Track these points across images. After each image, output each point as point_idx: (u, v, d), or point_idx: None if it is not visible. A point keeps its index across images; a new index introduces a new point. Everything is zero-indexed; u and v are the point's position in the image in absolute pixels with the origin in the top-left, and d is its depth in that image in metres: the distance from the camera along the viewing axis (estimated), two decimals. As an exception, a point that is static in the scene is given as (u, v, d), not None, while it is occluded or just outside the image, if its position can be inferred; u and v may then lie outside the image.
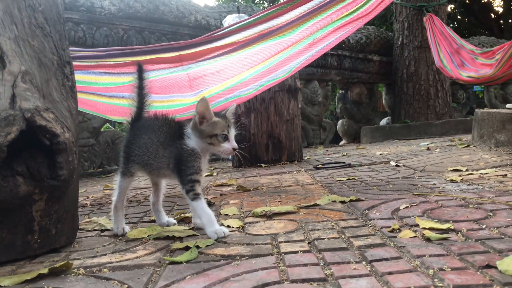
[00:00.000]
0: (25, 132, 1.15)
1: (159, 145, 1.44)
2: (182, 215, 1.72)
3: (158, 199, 1.61)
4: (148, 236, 1.44)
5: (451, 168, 2.51)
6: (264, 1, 17.70)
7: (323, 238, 1.26)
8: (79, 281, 1.05)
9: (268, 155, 3.69)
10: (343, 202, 1.77)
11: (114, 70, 2.56)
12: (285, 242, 1.25)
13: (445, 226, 1.27)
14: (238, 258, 1.14)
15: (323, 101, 6.86)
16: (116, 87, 2.55)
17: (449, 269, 0.94)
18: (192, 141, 1.39)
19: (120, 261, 1.19)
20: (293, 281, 0.94)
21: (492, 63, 4.70)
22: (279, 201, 1.92)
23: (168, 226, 1.57)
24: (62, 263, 1.12)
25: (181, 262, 1.13)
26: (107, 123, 6.91)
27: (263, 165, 3.64)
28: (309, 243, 1.23)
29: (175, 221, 1.61)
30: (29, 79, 1.19)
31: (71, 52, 2.27)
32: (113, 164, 4.50)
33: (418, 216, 1.43)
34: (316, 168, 3.14)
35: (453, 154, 3.21)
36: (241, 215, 1.70)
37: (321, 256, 1.10)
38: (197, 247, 1.25)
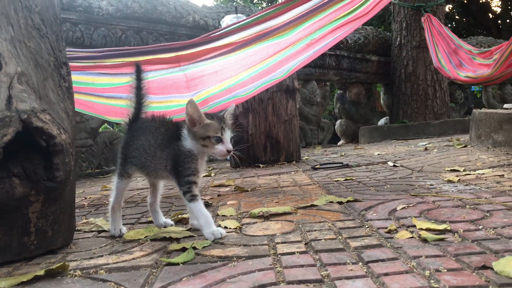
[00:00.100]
0: (21, 133, 1.15)
1: (157, 146, 1.44)
2: (180, 216, 1.71)
3: (156, 200, 1.60)
4: (145, 237, 1.44)
5: (449, 169, 2.51)
6: (262, 1, 17.70)
7: (320, 239, 1.26)
8: (75, 282, 1.05)
9: (266, 156, 3.69)
10: (340, 203, 1.77)
11: (112, 70, 2.56)
12: (282, 243, 1.25)
13: (441, 226, 1.27)
14: (235, 259, 1.14)
15: (321, 101, 6.86)
16: (113, 88, 2.54)
17: (445, 270, 0.94)
18: (188, 143, 1.39)
19: (116, 262, 1.19)
20: (289, 283, 0.94)
21: (490, 63, 4.71)
22: (276, 202, 1.92)
23: (165, 227, 1.57)
24: (58, 265, 1.12)
25: (177, 264, 1.13)
26: (105, 124, 6.91)
27: (261, 165, 3.64)
28: (306, 244, 1.23)
29: (172, 222, 1.61)
30: (25, 80, 1.19)
31: (68, 52, 2.27)
32: (111, 165, 4.50)
33: (415, 217, 1.43)
34: (314, 168, 3.14)
35: (451, 154, 3.21)
36: (239, 216, 1.70)
37: (317, 257, 1.10)
38: (194, 248, 1.25)
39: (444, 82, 7.11)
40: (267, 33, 2.72)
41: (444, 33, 5.58)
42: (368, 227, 1.36)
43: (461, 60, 5.28)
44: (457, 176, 2.23)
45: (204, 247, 1.27)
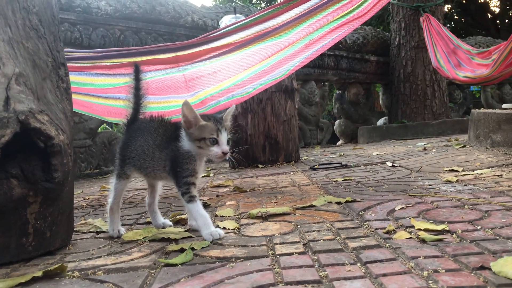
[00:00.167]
0: (19, 134, 1.14)
1: (155, 147, 1.44)
2: (178, 216, 1.71)
3: (154, 200, 1.60)
4: (143, 238, 1.44)
5: (447, 169, 2.51)
6: (261, 1, 17.70)
7: (319, 240, 1.26)
8: (73, 284, 1.05)
9: (265, 156, 3.69)
10: (339, 203, 1.77)
11: (110, 71, 2.56)
12: (280, 243, 1.25)
13: (440, 227, 1.27)
14: (233, 260, 1.14)
15: (320, 101, 6.86)
16: (112, 88, 2.54)
17: (443, 271, 0.94)
18: (186, 144, 1.39)
19: (115, 263, 1.19)
20: (287, 283, 0.94)
21: (489, 63, 4.71)
22: (275, 202, 1.92)
23: (163, 227, 1.57)
24: (56, 266, 1.12)
25: (176, 265, 1.13)
26: (104, 124, 6.90)
27: (260, 165, 3.63)
28: (304, 244, 1.23)
29: (170, 223, 1.61)
30: (23, 81, 1.18)
31: (66, 53, 2.27)
32: (109, 165, 4.50)
33: (414, 217, 1.43)
34: (313, 168, 3.14)
35: (449, 154, 3.22)
36: (237, 216, 1.70)
37: (316, 257, 1.10)
38: (192, 249, 1.25)
39: (443, 82, 7.12)
40: (266, 34, 2.72)
41: (443, 33, 5.59)
42: (366, 228, 1.36)
43: (459, 60, 5.29)
44: (455, 176, 2.23)
45: (202, 248, 1.27)
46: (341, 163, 3.27)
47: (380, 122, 7.71)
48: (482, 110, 3.56)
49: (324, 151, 5.00)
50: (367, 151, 4.28)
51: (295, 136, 3.86)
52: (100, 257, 1.26)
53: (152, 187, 1.60)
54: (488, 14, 16.41)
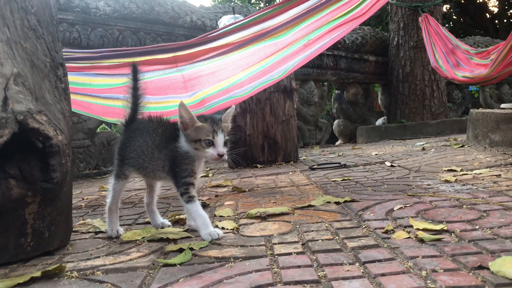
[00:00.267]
0: (17, 134, 1.14)
1: (154, 147, 1.44)
2: (177, 216, 1.71)
3: (153, 200, 1.60)
4: (142, 238, 1.44)
5: (446, 168, 2.52)
6: (260, 2, 17.70)
7: (317, 240, 1.26)
8: (72, 284, 1.05)
9: (264, 156, 3.69)
10: (337, 203, 1.77)
11: (109, 71, 2.55)
12: (279, 243, 1.26)
13: (438, 227, 1.28)
14: (232, 260, 1.14)
15: (319, 101, 6.86)
16: (110, 89, 2.54)
17: (442, 270, 0.95)
18: (184, 144, 1.38)
19: (113, 263, 1.19)
20: (286, 283, 0.94)
21: (487, 63, 4.71)
22: (274, 202, 1.92)
23: (162, 227, 1.57)
24: (55, 266, 1.12)
25: (174, 265, 1.13)
26: (103, 124, 6.90)
27: (258, 165, 3.63)
28: (303, 244, 1.23)
29: (169, 223, 1.61)
30: (21, 81, 1.18)
31: (65, 53, 2.26)
32: (108, 165, 4.49)
33: (412, 217, 1.43)
34: (312, 168, 3.14)
35: (448, 154, 3.22)
36: (236, 216, 1.70)
37: (314, 257, 1.10)
38: (191, 249, 1.25)
39: (441, 82, 7.12)
40: (264, 34, 2.72)
41: (442, 33, 5.59)
42: (365, 228, 1.37)
43: (458, 60, 5.29)
44: (454, 176, 2.23)
45: (201, 248, 1.27)
46: (339, 163, 3.27)
47: (379, 122, 7.71)
48: (480, 110, 3.57)
49: (323, 151, 5.00)
50: (366, 151, 4.28)
51: (294, 136, 3.86)
52: (99, 257, 1.26)
53: (151, 187, 1.60)
54: (487, 14, 16.43)
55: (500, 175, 2.16)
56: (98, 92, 2.54)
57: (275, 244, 1.25)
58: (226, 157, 1.37)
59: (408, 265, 1.00)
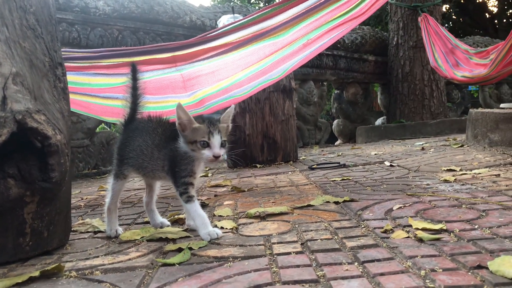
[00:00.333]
0: (16, 134, 1.14)
1: (154, 147, 1.44)
2: (176, 216, 1.71)
3: (152, 199, 1.60)
4: (141, 237, 1.43)
5: (445, 168, 2.52)
6: (259, 1, 17.70)
7: (316, 239, 1.26)
8: (70, 283, 1.05)
9: (263, 156, 3.69)
10: (336, 203, 1.77)
11: (108, 71, 2.55)
12: (278, 243, 1.25)
13: (437, 226, 1.27)
14: (231, 259, 1.14)
15: (318, 101, 6.86)
16: (109, 88, 2.54)
17: (441, 270, 0.95)
18: (183, 145, 1.38)
19: (112, 263, 1.18)
20: (284, 283, 0.94)
21: (487, 63, 4.71)
22: (273, 202, 1.92)
23: (161, 227, 1.57)
24: (53, 266, 1.12)
25: (173, 264, 1.13)
26: (102, 124, 6.89)
27: (258, 165, 3.63)
28: (302, 244, 1.23)
29: (168, 223, 1.61)
30: (20, 81, 1.18)
31: (64, 53, 2.26)
32: (108, 165, 4.49)
33: (411, 217, 1.43)
34: (311, 168, 3.14)
35: (447, 154, 3.22)
36: (235, 216, 1.70)
37: (313, 257, 1.10)
38: (190, 248, 1.25)
39: (441, 82, 7.12)
40: (263, 33, 2.72)
41: (441, 33, 5.59)
42: (364, 227, 1.36)
43: (457, 60, 5.29)
44: (453, 175, 2.23)
45: (200, 247, 1.27)
46: (339, 162, 3.27)
47: (379, 121, 7.72)
48: (480, 109, 3.57)
49: (322, 150, 5.00)
50: (365, 151, 4.28)
51: (293, 135, 3.86)
52: (98, 257, 1.26)
53: (150, 186, 1.60)
54: (486, 14, 16.43)
55: (499, 174, 2.16)
56: (97, 91, 2.54)
57: (274, 243, 1.25)
58: (222, 158, 1.35)
59: (407, 265, 0.99)
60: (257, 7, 13.38)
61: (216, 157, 1.32)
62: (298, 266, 1.04)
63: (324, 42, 2.78)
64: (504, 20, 16.30)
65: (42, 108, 1.23)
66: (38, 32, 1.35)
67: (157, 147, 1.43)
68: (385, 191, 1.97)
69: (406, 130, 6.13)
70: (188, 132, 1.34)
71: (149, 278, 1.05)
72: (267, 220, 1.56)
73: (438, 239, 1.17)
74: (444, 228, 1.26)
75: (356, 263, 1.04)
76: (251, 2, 17.33)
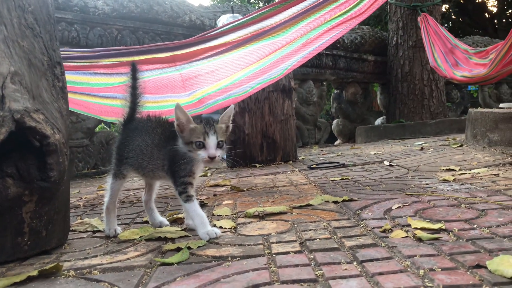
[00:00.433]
0: (14, 133, 1.14)
1: (154, 147, 1.43)
2: (175, 216, 1.71)
3: (151, 198, 1.60)
4: (140, 237, 1.43)
5: (444, 168, 2.52)
6: (259, 1, 17.68)
7: (315, 239, 1.26)
8: (69, 283, 1.05)
9: (263, 155, 3.69)
10: (336, 202, 1.77)
11: (107, 70, 2.55)
12: (277, 242, 1.25)
13: (436, 226, 1.27)
14: (230, 259, 1.13)
15: (318, 101, 6.86)
16: (109, 88, 2.53)
17: (440, 269, 0.94)
18: (182, 146, 1.37)
19: (111, 262, 1.18)
20: (283, 282, 0.94)
21: (486, 63, 4.71)
22: (272, 202, 1.91)
23: (160, 226, 1.57)
24: (52, 265, 1.12)
25: (172, 264, 1.13)
26: (102, 124, 6.89)
27: (257, 165, 3.63)
28: (300, 243, 1.23)
29: (167, 222, 1.61)
30: (18, 80, 1.18)
31: (63, 52, 2.26)
32: (107, 165, 4.48)
33: (410, 216, 1.43)
34: (310, 168, 3.14)
35: (447, 153, 3.22)
36: (234, 215, 1.69)
37: (312, 256, 1.10)
38: (189, 248, 1.25)
39: (440, 82, 7.12)
40: (263, 33, 2.71)
41: (441, 33, 5.58)
42: (363, 227, 1.36)
43: (457, 60, 5.28)
44: (452, 175, 2.23)
45: (199, 247, 1.27)
46: (338, 162, 3.27)
47: (378, 121, 7.72)
48: (479, 109, 3.57)
49: (322, 150, 5.00)
50: (364, 151, 4.28)
51: (293, 135, 3.86)
52: (96, 256, 1.26)
53: (150, 185, 1.60)
54: (486, 14, 16.43)
55: (498, 174, 2.16)
56: (96, 91, 2.54)
57: (273, 243, 1.25)
58: (218, 159, 1.33)
59: (405, 264, 0.99)
60: (256, 7, 13.37)
61: (211, 158, 1.31)
62: (296, 265, 1.04)
63: (324, 41, 2.78)
64: (504, 20, 16.31)
65: (40, 107, 1.23)
66: (37, 31, 1.35)
67: (157, 147, 1.43)
68: (384, 190, 1.97)
69: (405, 130, 6.13)
70: (185, 133, 1.34)
71: (148, 277, 1.05)
72: (266, 220, 1.56)
73: (437, 239, 1.17)
74: (443, 227, 1.26)
75: (354, 263, 1.03)
76: (251, 1, 17.32)
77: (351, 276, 0.95)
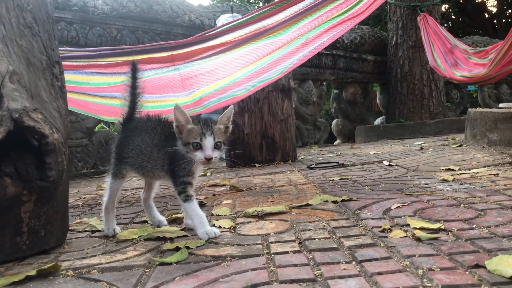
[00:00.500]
0: (13, 132, 1.14)
1: (154, 146, 1.43)
2: (174, 215, 1.71)
3: (150, 196, 1.60)
4: (138, 237, 1.43)
5: (444, 168, 2.52)
6: (258, 1, 17.68)
7: (314, 238, 1.25)
8: (67, 282, 1.04)
9: (262, 155, 3.69)
10: (335, 202, 1.76)
11: (106, 70, 2.55)
12: (275, 242, 1.25)
13: (435, 226, 1.27)
14: (228, 258, 1.13)
15: (317, 100, 6.86)
16: (108, 87, 2.53)
17: (438, 269, 0.94)
18: (181, 148, 1.36)
19: (109, 262, 1.18)
20: (282, 282, 0.94)
21: (486, 63, 4.71)
22: (271, 201, 1.91)
23: (159, 225, 1.57)
24: (50, 265, 1.12)
25: (170, 263, 1.13)
26: (101, 123, 6.89)
27: (257, 165, 3.63)
28: (299, 243, 1.23)
29: (166, 222, 1.60)
30: (17, 79, 1.18)
31: (62, 52, 2.26)
32: (106, 165, 4.48)
33: (409, 216, 1.43)
34: (310, 168, 3.14)
35: (446, 153, 3.22)
36: (233, 215, 1.69)
37: (311, 256, 1.10)
38: (188, 248, 1.25)
39: (440, 82, 7.12)
40: (262, 32, 2.71)
41: (440, 33, 5.59)
42: (362, 226, 1.36)
43: (456, 60, 5.28)
44: (452, 175, 2.23)
45: (197, 246, 1.27)
46: (338, 162, 3.27)
47: (378, 121, 7.72)
48: (478, 109, 3.57)
49: (321, 150, 5.00)
50: (364, 151, 4.28)
51: (292, 135, 3.85)
52: (95, 256, 1.26)
53: (150, 184, 1.60)
54: (485, 14, 16.43)
55: (497, 174, 2.16)
56: (96, 90, 2.54)
57: (271, 243, 1.25)
58: (215, 160, 1.32)
59: (404, 264, 0.99)
60: (256, 7, 13.35)
61: (208, 159, 1.30)
62: (295, 265, 1.04)
63: (323, 41, 2.78)
64: (503, 20, 16.31)
65: (39, 106, 1.23)
66: (35, 31, 1.35)
67: (157, 147, 1.43)
68: (383, 190, 1.96)
69: (405, 130, 6.13)
70: (184, 134, 1.33)
71: (146, 277, 1.05)
72: (265, 220, 1.56)
73: (436, 239, 1.17)
74: (442, 227, 1.26)
75: (353, 262, 1.03)
76: (250, 1, 17.31)
77: (350, 276, 0.95)
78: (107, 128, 7.49)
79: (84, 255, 1.27)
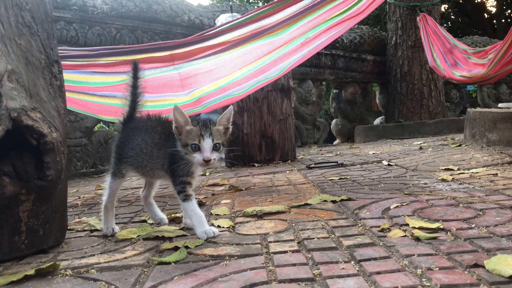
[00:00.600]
0: (11, 132, 1.13)
1: (154, 146, 1.43)
2: (173, 215, 1.71)
3: (150, 194, 1.60)
4: (137, 236, 1.43)
5: (443, 168, 2.52)
6: (258, 0, 17.68)
7: (313, 238, 1.25)
8: (66, 282, 1.04)
9: (261, 155, 3.69)
10: (334, 202, 1.76)
11: (105, 69, 2.54)
12: (274, 242, 1.25)
13: (434, 225, 1.27)
14: (227, 258, 1.13)
15: (317, 100, 6.86)
16: (107, 87, 2.53)
17: (437, 269, 0.94)
18: (181, 149, 1.36)
19: (108, 261, 1.18)
20: (280, 281, 0.94)
21: (485, 63, 4.71)
22: (270, 201, 1.91)
23: (160, 222, 1.57)
24: (49, 264, 1.11)
25: (169, 263, 1.13)
26: (101, 123, 6.89)
27: (256, 164, 3.63)
28: (298, 243, 1.23)
29: (167, 220, 1.60)
30: (15, 78, 1.17)
31: (61, 51, 2.25)
32: (106, 164, 4.48)
33: (408, 216, 1.43)
34: (309, 167, 3.14)
35: (445, 153, 3.22)
36: (232, 215, 1.69)
37: (310, 256, 1.10)
38: (186, 247, 1.25)
39: (439, 82, 7.13)
40: (261, 32, 2.71)
41: (440, 33, 5.58)
42: (361, 226, 1.36)
43: (456, 60, 5.28)
44: (451, 175, 2.23)
45: (196, 246, 1.26)
46: (337, 162, 3.27)
47: (377, 121, 7.72)
48: (478, 109, 3.57)
49: (320, 150, 5.00)
50: (363, 150, 4.28)
51: (292, 135, 3.85)
52: (94, 255, 1.26)
53: (150, 183, 1.60)
54: (485, 14, 16.44)
55: (497, 174, 2.16)
56: (95, 90, 2.53)
57: (270, 242, 1.25)
58: (214, 162, 1.31)
59: (403, 263, 0.99)
60: (255, 6, 13.35)
61: (206, 161, 1.29)
62: (294, 264, 1.04)
63: (322, 41, 2.78)
64: (503, 20, 16.32)
65: (37, 105, 1.22)
66: (34, 30, 1.35)
67: (157, 146, 1.43)
68: (382, 190, 1.96)
69: (404, 130, 6.13)
70: (183, 135, 1.33)
71: (145, 276, 1.04)
72: (264, 219, 1.56)
73: (435, 238, 1.17)
74: (441, 227, 1.26)
75: (352, 262, 1.03)
76: (250, 1, 17.31)
77: (348, 275, 0.95)
78: (107, 128, 7.48)
79: (83, 255, 1.27)
